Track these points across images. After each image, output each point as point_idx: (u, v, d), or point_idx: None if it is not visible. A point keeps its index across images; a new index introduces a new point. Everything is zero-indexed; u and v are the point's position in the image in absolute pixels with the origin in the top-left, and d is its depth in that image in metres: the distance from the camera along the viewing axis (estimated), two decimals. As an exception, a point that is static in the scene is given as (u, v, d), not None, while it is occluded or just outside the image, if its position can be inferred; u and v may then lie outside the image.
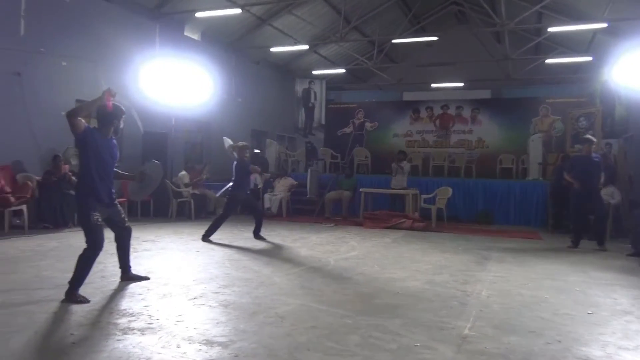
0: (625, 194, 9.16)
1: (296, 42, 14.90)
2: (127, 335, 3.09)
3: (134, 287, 4.34)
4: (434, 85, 17.81)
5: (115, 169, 4.28)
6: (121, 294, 4.12)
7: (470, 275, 5.29)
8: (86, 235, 3.98)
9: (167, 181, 10.30)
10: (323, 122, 17.60)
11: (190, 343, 3.00)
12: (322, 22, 15.14)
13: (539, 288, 4.77)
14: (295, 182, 12.13)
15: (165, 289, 4.29)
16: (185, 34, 12.80)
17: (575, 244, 7.47)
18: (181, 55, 11.63)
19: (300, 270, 5.36)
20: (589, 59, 13.98)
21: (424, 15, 17.02)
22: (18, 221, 7.82)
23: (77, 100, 8.62)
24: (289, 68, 17.57)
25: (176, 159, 12.07)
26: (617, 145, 10.69)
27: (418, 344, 3.08)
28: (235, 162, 7.55)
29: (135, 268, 4.73)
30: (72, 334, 3.12)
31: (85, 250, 3.97)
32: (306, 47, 15.28)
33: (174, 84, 11.24)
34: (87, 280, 4.00)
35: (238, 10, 11.55)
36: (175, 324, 3.34)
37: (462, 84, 17.47)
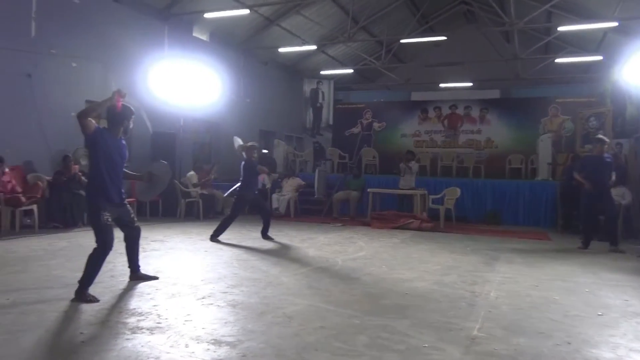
0: (636, 195, 9.06)
1: (304, 43, 14.92)
2: (136, 335, 3.11)
3: (142, 286, 4.36)
4: (442, 85, 17.72)
5: (124, 169, 4.32)
6: (130, 294, 4.15)
7: (478, 276, 5.26)
8: (96, 234, 4.01)
9: (176, 181, 10.35)
10: (331, 122, 17.57)
11: (198, 342, 3.01)
12: (330, 22, 15.14)
13: (548, 289, 4.73)
14: (303, 183, 12.13)
15: (174, 289, 4.31)
16: (194, 34, 12.87)
17: (585, 245, 7.41)
18: (190, 55, 11.69)
19: (308, 271, 5.36)
20: (600, 58, 13.84)
21: (432, 15, 16.96)
22: (29, 221, 7.91)
23: (87, 101, 8.68)
24: (297, 68, 17.58)
25: (185, 159, 12.11)
26: (628, 145, 10.58)
27: (426, 345, 3.07)
28: (243, 162, 7.57)
29: (144, 268, 4.75)
30: (81, 332, 3.14)
31: (95, 249, 4.00)
32: (314, 47, 15.29)
33: (182, 84, 11.29)
34: (97, 279, 4.03)
35: (246, 11, 11.61)
36: (184, 324, 3.36)
37: (470, 84, 17.36)
